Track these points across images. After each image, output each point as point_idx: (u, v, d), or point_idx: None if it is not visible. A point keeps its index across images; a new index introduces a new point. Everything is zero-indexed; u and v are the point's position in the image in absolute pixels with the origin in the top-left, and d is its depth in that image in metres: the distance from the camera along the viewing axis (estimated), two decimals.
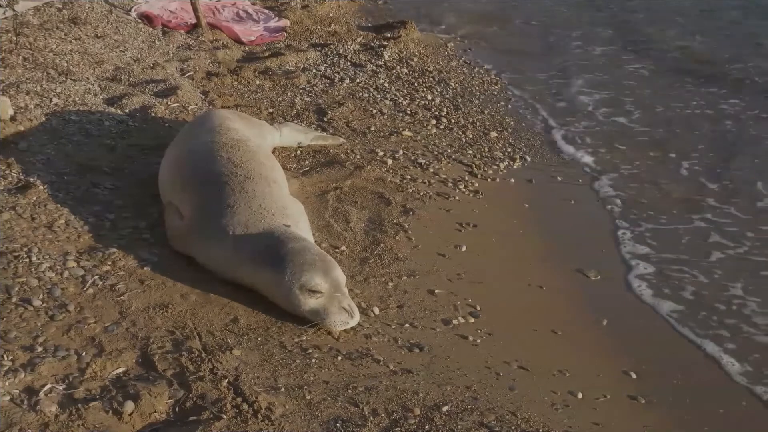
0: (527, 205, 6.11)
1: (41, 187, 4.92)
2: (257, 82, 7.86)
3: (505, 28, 11.30)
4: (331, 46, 9.20)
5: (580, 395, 3.95)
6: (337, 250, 4.93)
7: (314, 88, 7.88)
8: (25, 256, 4.19)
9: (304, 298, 4.05)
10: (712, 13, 12.08)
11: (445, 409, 3.55)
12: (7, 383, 3.27)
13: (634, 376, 4.24)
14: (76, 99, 6.46)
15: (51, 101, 6.26)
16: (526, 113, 8.05)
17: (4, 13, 7.70)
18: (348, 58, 8.88)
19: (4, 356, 3.43)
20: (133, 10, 9.17)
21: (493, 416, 3.56)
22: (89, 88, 6.76)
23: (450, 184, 6.19)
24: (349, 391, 3.61)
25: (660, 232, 5.85)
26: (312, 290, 4.04)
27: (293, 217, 4.55)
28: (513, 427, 3.50)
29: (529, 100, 8.48)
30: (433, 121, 7.40)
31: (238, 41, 9.20)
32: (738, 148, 7.44)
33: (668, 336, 4.67)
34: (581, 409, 3.84)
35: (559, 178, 6.66)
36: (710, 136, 7.70)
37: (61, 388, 3.32)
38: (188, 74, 7.78)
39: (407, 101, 7.81)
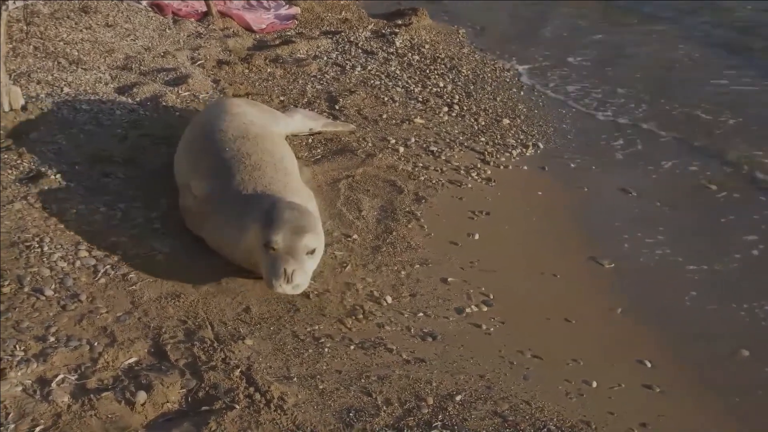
0: (540, 193, 6.06)
1: (53, 177, 4.92)
2: (268, 70, 7.83)
3: (518, 16, 11.20)
4: (342, 34, 9.15)
5: (594, 384, 3.92)
6: (349, 239, 4.91)
7: (325, 75, 7.84)
8: (37, 245, 4.20)
9: (263, 249, 4.05)
10: None
11: (458, 398, 3.54)
12: (19, 373, 3.28)
13: (648, 365, 4.20)
14: (87, 88, 6.46)
15: (62, 90, 6.26)
16: (539, 100, 7.97)
17: (14, 2, 7.70)
18: (359, 45, 8.83)
19: (17, 346, 3.44)
20: None
21: (506, 405, 3.55)
22: (100, 77, 6.75)
23: (462, 172, 6.15)
24: (362, 380, 3.60)
25: (674, 218, 5.80)
26: (266, 245, 4.01)
27: (303, 200, 4.57)
28: (527, 417, 3.48)
29: (541, 86, 8.40)
30: (445, 109, 7.35)
31: (248, 29, 9.16)
32: None
33: (683, 325, 4.61)
34: (595, 398, 3.81)
35: (572, 165, 6.60)
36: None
37: (73, 378, 3.33)
38: (199, 62, 7.75)
39: (419, 88, 7.75)
